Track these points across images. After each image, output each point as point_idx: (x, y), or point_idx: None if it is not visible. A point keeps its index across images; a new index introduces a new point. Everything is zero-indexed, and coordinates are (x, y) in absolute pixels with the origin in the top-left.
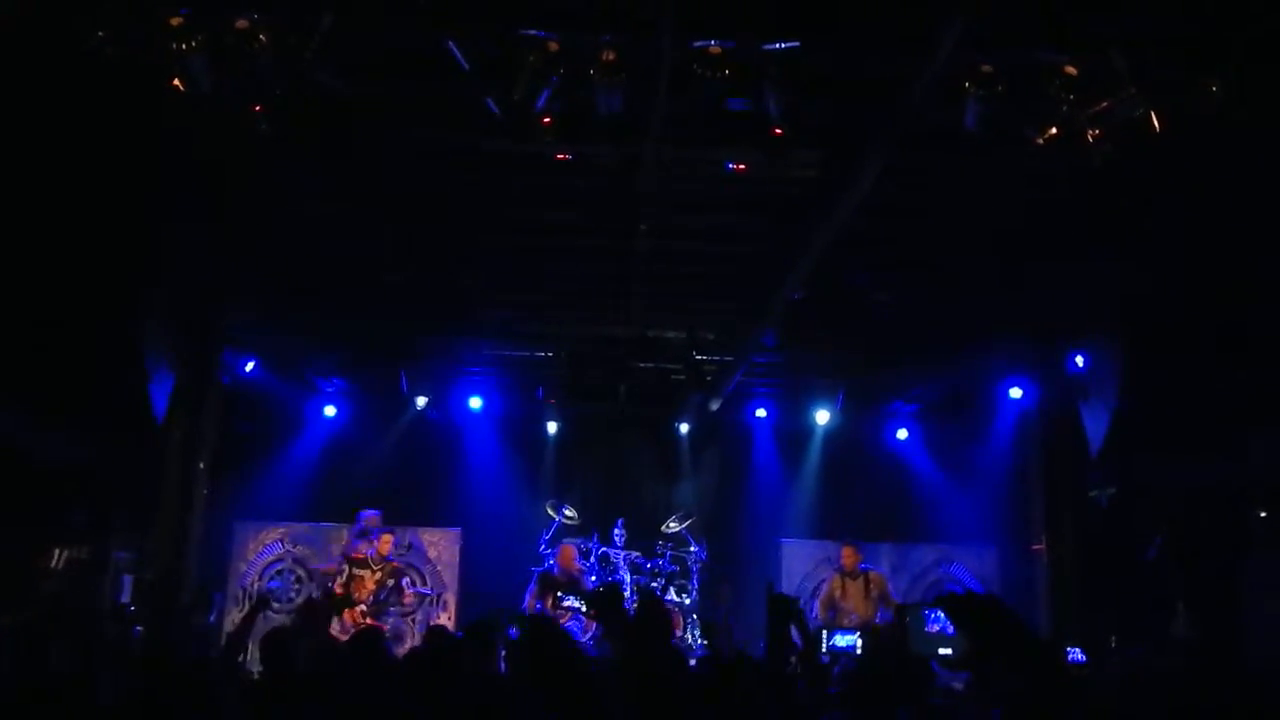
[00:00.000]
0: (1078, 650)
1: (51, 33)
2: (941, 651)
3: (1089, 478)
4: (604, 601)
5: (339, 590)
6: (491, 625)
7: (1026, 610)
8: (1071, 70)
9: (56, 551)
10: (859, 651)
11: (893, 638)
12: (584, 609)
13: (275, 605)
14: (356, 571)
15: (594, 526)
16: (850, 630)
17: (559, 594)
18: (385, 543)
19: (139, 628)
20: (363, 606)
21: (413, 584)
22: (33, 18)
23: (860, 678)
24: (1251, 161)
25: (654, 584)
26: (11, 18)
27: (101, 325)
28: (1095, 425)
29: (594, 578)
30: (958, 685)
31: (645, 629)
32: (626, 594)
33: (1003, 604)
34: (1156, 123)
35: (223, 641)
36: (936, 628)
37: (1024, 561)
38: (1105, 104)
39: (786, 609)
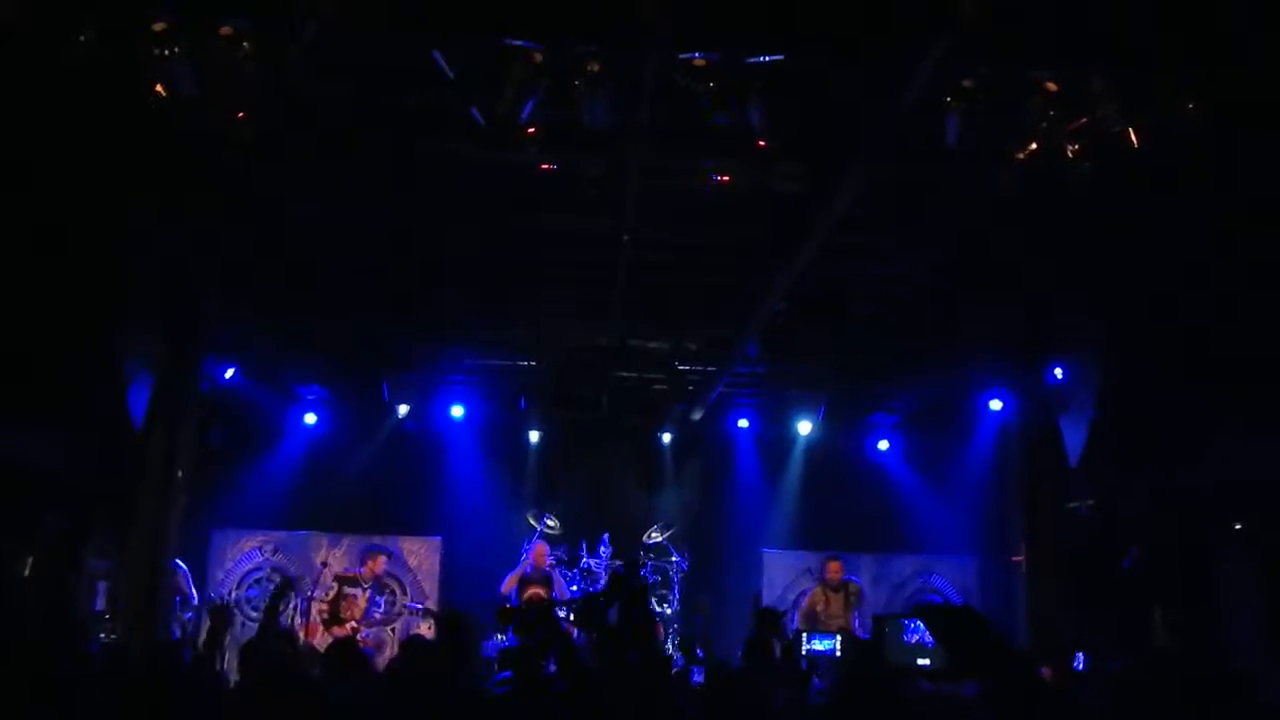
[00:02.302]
0: (1079, 656)
1: (33, 37)
2: (920, 662)
3: (1068, 489)
4: (588, 613)
5: (325, 609)
6: (468, 627)
7: (1006, 621)
8: (1052, 86)
9: (29, 559)
10: (838, 654)
11: (870, 647)
12: (570, 619)
13: (254, 614)
14: (347, 590)
15: (581, 538)
16: (829, 635)
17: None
18: (379, 562)
19: (102, 636)
20: (353, 624)
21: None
22: (13, 21)
23: (840, 685)
24: (1229, 176)
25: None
26: None
27: (80, 330)
28: (1074, 437)
29: (575, 587)
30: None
31: (630, 636)
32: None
33: (979, 615)
34: (1135, 139)
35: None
36: (915, 638)
37: (1003, 572)
38: (1084, 120)
39: (772, 623)
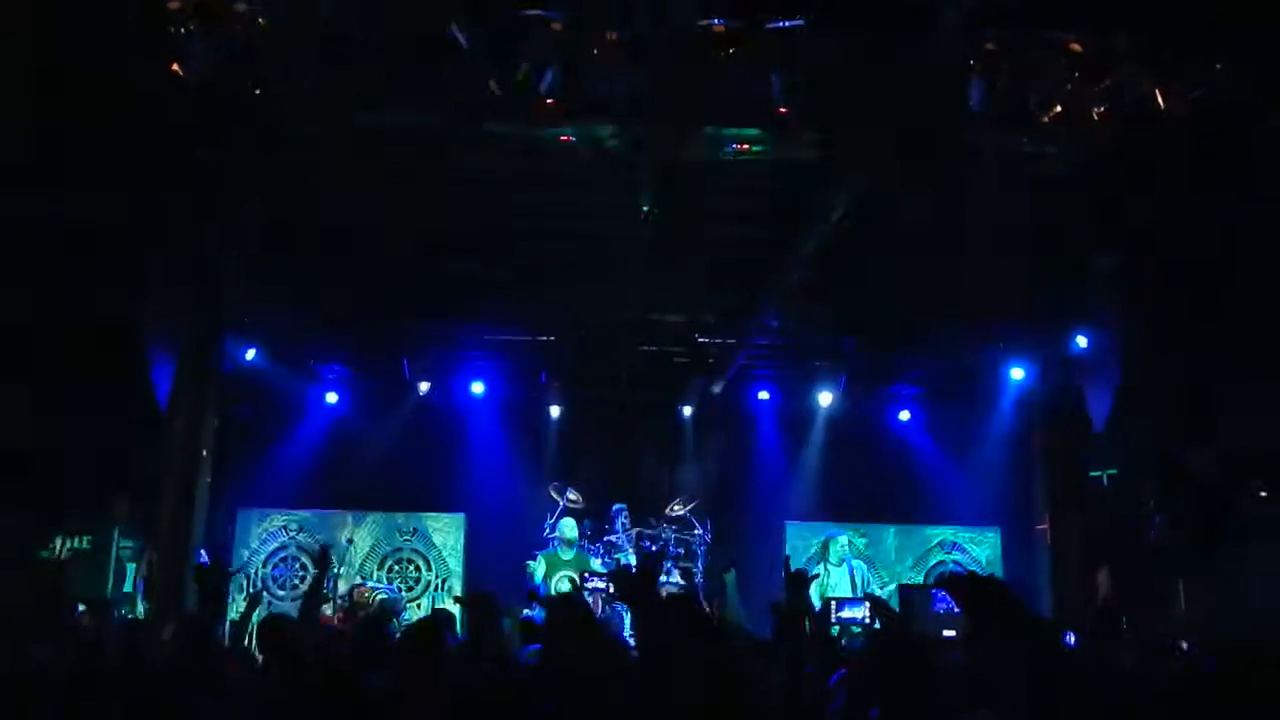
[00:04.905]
0: (1069, 634)
1: (54, 14)
2: (945, 633)
3: (1090, 457)
4: (629, 582)
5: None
6: (493, 603)
7: (1030, 591)
8: (1076, 48)
9: (58, 541)
10: (867, 620)
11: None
12: (610, 590)
13: (280, 592)
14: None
15: (603, 512)
16: (857, 602)
17: (584, 575)
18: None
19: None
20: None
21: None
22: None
23: (871, 653)
24: (1255, 143)
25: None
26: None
27: (103, 313)
28: (1098, 405)
29: (598, 560)
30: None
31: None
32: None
33: (1003, 584)
34: (1161, 100)
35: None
36: (943, 608)
37: (1027, 542)
38: (1109, 81)
39: (805, 585)
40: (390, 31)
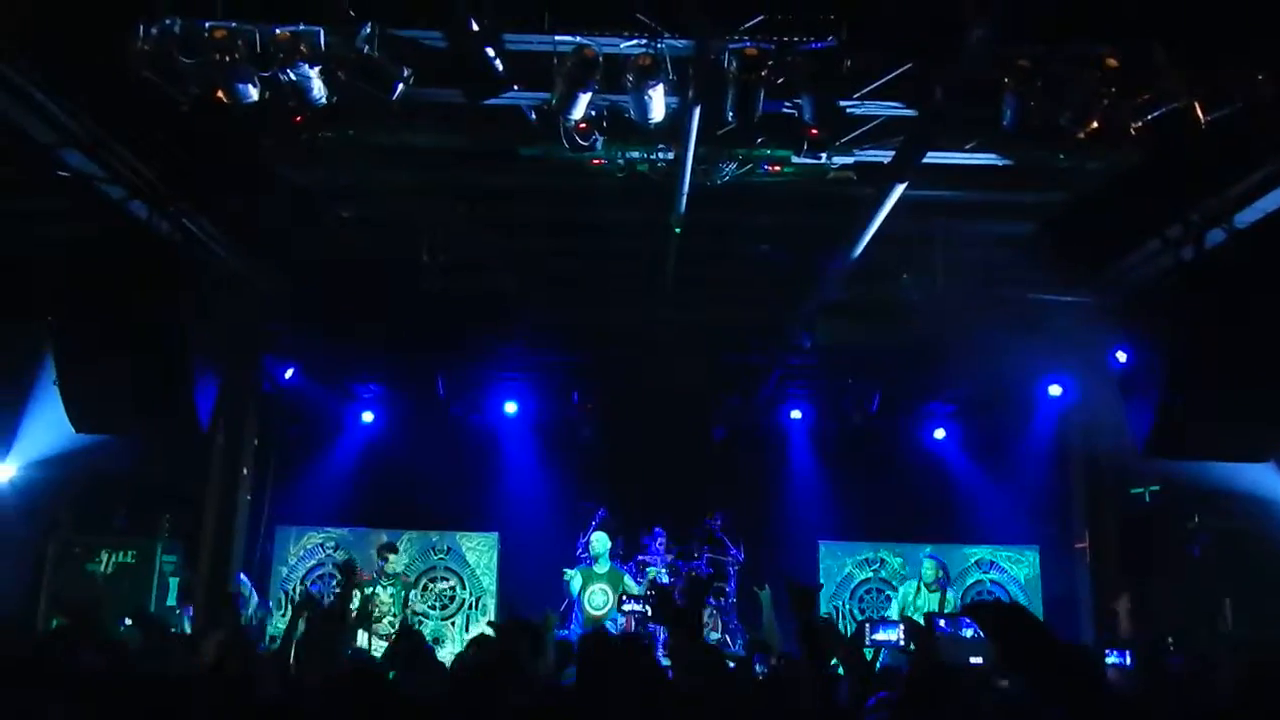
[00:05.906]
0: (1125, 654)
1: (99, 41)
2: (973, 660)
3: (1131, 475)
4: (671, 609)
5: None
6: (537, 627)
7: (1070, 610)
8: (1113, 62)
9: (105, 555)
10: (901, 642)
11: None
12: (649, 612)
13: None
14: (367, 590)
15: (635, 531)
16: (892, 624)
17: (621, 597)
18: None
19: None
20: (391, 617)
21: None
22: (80, 23)
23: (912, 680)
24: None
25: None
26: (58, 25)
27: (146, 333)
28: (1139, 421)
29: (630, 578)
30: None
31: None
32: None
33: (1029, 613)
34: (1201, 114)
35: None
36: (970, 632)
37: (1066, 560)
38: (1147, 96)
39: (809, 600)
40: (428, 55)
